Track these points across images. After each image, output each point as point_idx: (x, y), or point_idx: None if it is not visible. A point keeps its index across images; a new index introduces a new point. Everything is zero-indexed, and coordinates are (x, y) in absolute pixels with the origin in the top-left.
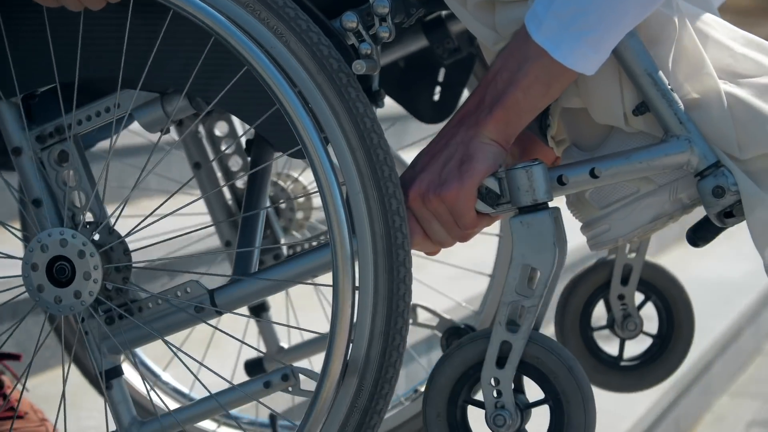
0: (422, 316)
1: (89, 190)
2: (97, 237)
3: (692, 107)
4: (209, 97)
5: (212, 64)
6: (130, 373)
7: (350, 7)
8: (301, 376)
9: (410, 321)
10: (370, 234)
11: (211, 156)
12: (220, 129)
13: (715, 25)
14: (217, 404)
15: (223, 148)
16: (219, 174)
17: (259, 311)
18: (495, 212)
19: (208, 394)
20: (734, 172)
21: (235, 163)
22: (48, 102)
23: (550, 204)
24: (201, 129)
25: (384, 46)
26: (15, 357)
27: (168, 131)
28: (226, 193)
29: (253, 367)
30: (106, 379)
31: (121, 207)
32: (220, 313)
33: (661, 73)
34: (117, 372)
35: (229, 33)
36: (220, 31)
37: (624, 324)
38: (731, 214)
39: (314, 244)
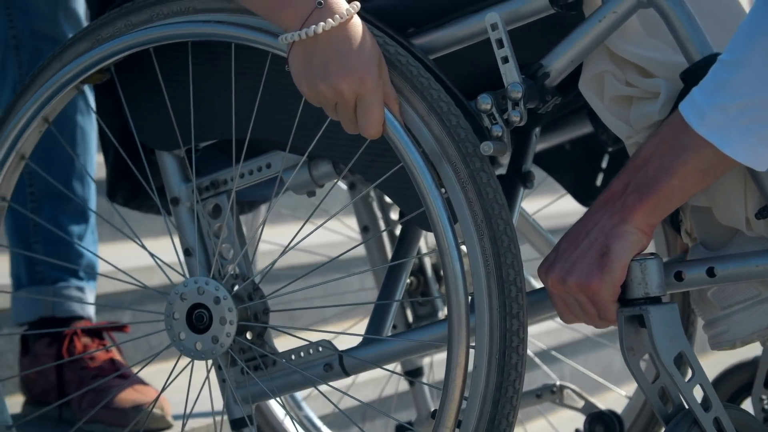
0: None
1: (236, 243)
2: (236, 288)
3: None
4: (353, 166)
5: (353, 136)
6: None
7: (487, 89)
8: None
9: (556, 401)
10: (488, 311)
11: (381, 222)
12: None
13: None
14: None
15: (392, 215)
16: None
17: (414, 375)
18: None
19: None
20: None
21: None
22: (207, 156)
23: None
24: (372, 194)
25: (549, 131)
26: (120, 328)
27: (314, 194)
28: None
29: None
30: (237, 427)
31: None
32: (347, 374)
33: None
34: (249, 421)
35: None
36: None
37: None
38: None
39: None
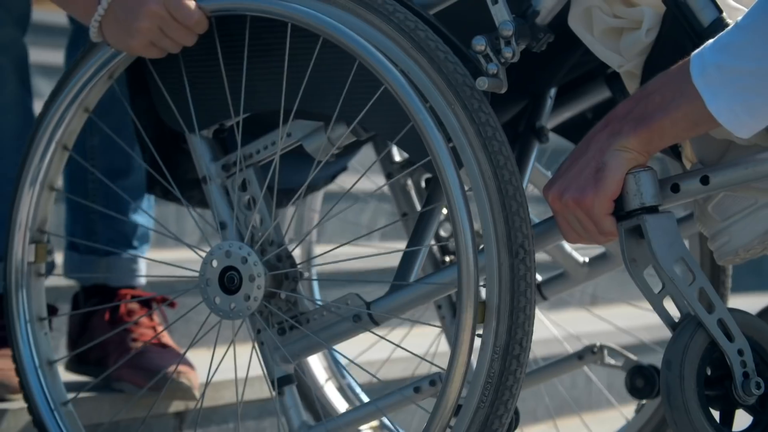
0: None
1: (266, 213)
2: (269, 256)
3: None
4: (365, 122)
5: (364, 92)
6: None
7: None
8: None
9: (598, 362)
10: (487, 368)
11: (418, 207)
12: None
13: None
14: (375, 408)
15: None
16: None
17: None
18: None
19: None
20: None
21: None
22: (232, 135)
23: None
24: (409, 181)
25: (570, 99)
26: (169, 303)
27: (333, 157)
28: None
29: None
30: (278, 386)
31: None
32: (376, 323)
33: None
34: (289, 380)
35: (381, 68)
36: (377, 68)
37: None
38: None
39: None
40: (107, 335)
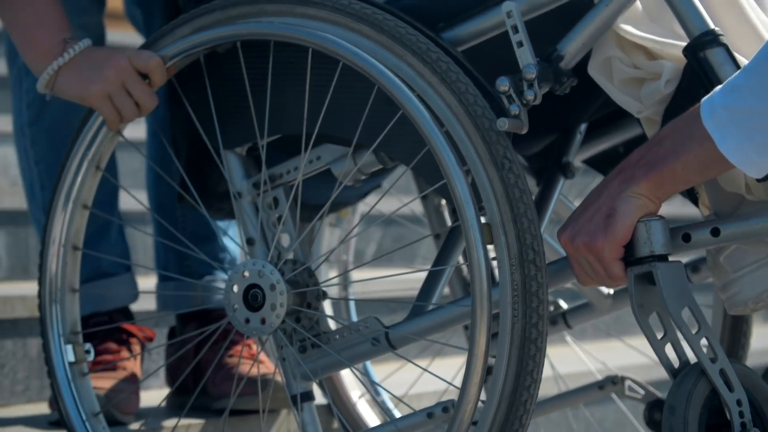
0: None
1: (293, 232)
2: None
3: None
4: (391, 151)
5: (389, 120)
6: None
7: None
8: None
9: (618, 393)
10: (510, 281)
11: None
12: None
13: None
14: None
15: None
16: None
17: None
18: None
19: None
20: None
21: None
22: (268, 153)
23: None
24: (443, 202)
25: (601, 134)
26: None
27: (359, 182)
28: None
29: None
30: (298, 402)
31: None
32: (393, 348)
33: None
34: (308, 396)
35: (404, 98)
36: (398, 96)
37: None
38: None
39: None
40: (201, 353)
